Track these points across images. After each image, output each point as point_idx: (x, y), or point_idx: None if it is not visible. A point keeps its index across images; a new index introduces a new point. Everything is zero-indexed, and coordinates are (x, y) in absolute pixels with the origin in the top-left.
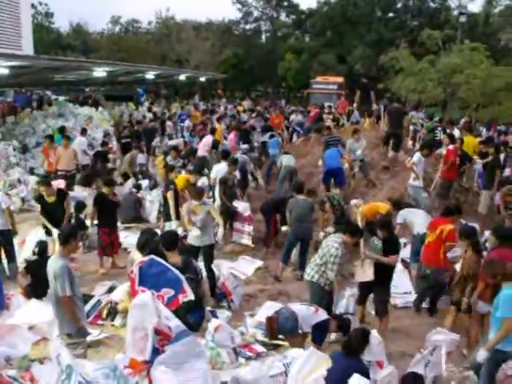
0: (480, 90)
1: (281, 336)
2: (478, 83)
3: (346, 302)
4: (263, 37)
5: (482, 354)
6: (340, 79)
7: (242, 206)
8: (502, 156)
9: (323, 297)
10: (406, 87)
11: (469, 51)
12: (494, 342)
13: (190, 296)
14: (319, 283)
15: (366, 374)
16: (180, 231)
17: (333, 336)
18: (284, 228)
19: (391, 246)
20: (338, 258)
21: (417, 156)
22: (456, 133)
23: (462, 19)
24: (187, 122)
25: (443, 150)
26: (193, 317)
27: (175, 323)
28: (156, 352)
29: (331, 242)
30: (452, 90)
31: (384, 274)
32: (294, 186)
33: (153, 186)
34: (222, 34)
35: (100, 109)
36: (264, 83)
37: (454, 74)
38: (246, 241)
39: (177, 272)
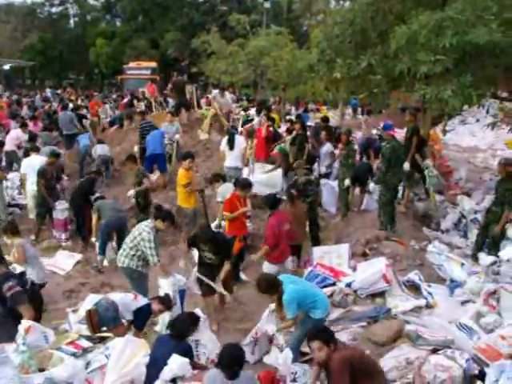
0: (286, 71)
1: (104, 328)
2: (285, 65)
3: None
4: (71, 21)
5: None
6: (153, 64)
7: (60, 207)
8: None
9: (139, 278)
10: (218, 70)
11: (274, 35)
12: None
13: None
14: (131, 267)
15: (190, 355)
16: None
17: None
18: None
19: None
20: (152, 241)
21: (239, 139)
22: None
23: (267, 5)
24: None
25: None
26: None
27: None
28: None
29: (143, 227)
30: (261, 72)
31: None
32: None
33: None
34: (25, 16)
35: None
36: (76, 70)
37: (262, 57)
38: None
39: None
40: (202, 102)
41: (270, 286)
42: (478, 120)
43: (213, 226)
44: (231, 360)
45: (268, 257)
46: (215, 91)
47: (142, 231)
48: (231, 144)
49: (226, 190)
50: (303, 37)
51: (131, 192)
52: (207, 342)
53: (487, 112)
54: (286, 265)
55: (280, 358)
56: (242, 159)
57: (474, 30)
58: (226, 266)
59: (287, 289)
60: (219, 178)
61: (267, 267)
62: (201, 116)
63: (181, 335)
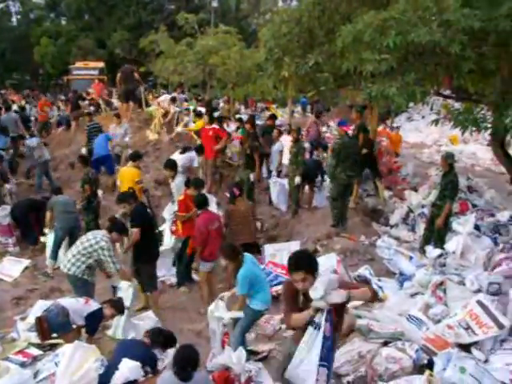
0: (235, 71)
1: (55, 334)
2: (233, 64)
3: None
4: (14, 19)
5: (227, 318)
6: (101, 64)
7: (1, 212)
8: None
9: (83, 286)
10: (167, 69)
11: (223, 34)
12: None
13: None
14: (76, 274)
15: (153, 363)
16: None
17: None
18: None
19: (134, 219)
20: (112, 250)
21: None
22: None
23: (215, 4)
24: None
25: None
26: None
27: None
28: None
29: (100, 236)
30: (210, 71)
31: (143, 251)
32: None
33: None
34: None
35: None
36: (20, 71)
37: (211, 56)
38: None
39: None
40: (152, 102)
41: (232, 252)
42: (423, 117)
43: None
44: (184, 361)
45: (200, 256)
46: (165, 96)
47: (100, 240)
48: None
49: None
50: (252, 36)
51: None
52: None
53: (431, 109)
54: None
55: (234, 358)
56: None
57: (416, 29)
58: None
59: (246, 265)
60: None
61: (201, 265)
62: (149, 116)
63: (155, 345)
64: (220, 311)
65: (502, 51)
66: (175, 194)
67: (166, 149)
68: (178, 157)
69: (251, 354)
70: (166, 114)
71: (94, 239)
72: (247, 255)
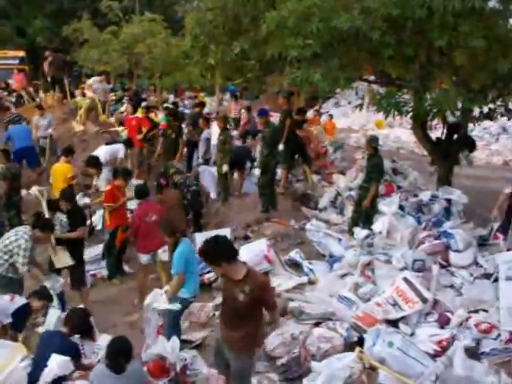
0: (162, 59)
1: None
2: (160, 52)
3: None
4: None
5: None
6: (21, 53)
7: None
8: None
9: (9, 285)
10: (92, 59)
11: (148, 22)
12: (169, 296)
13: None
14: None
15: (76, 354)
16: None
17: None
18: None
19: (76, 218)
20: (29, 250)
21: None
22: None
23: None
24: None
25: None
26: None
27: None
28: None
29: (21, 233)
30: (136, 60)
31: (79, 248)
32: None
33: None
34: None
35: None
36: None
37: (137, 44)
38: None
39: None
40: (77, 93)
41: (169, 228)
42: (349, 102)
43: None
44: (116, 353)
45: (137, 247)
46: (94, 78)
47: (20, 238)
48: None
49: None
50: (178, 23)
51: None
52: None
53: (356, 94)
54: (159, 255)
55: (168, 347)
56: None
57: (338, 16)
58: None
59: (183, 245)
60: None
61: (140, 257)
62: (74, 106)
63: (74, 330)
64: (159, 302)
65: (420, 38)
66: (103, 187)
67: (92, 140)
68: (103, 149)
69: (186, 342)
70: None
71: (15, 236)
72: (186, 239)
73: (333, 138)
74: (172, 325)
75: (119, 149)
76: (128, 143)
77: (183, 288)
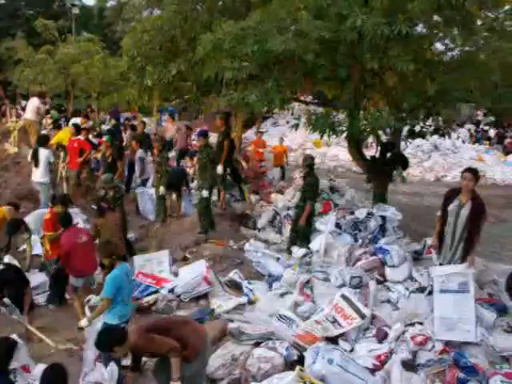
0: (99, 80)
1: None
2: (97, 73)
3: None
4: None
5: (84, 322)
6: None
7: None
8: None
9: None
10: (27, 78)
11: (85, 42)
12: (93, 315)
13: None
14: None
15: None
16: None
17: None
18: None
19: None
20: None
21: (44, 153)
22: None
23: (75, 11)
24: None
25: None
26: None
27: None
28: None
29: None
30: (72, 80)
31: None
32: None
33: None
34: None
35: None
36: None
37: (73, 65)
38: None
39: None
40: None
41: (107, 249)
42: (287, 122)
43: None
44: (50, 382)
45: (71, 272)
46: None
47: None
48: (36, 159)
49: (36, 217)
50: (116, 44)
51: None
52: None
53: (292, 114)
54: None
55: (105, 374)
56: (46, 173)
57: (272, 38)
58: None
59: (117, 270)
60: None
61: (74, 281)
62: (8, 129)
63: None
64: (83, 320)
65: (353, 60)
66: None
67: (26, 163)
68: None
69: (125, 368)
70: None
71: None
72: (124, 264)
73: (283, 162)
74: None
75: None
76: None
77: (109, 313)
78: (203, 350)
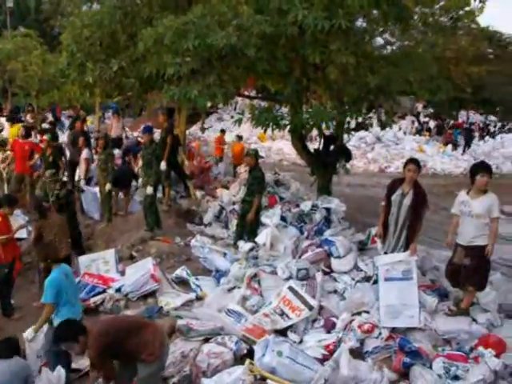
0: (38, 77)
1: None
2: (35, 69)
3: None
4: None
5: (29, 333)
6: None
7: None
8: None
9: None
10: None
11: (22, 38)
12: (39, 324)
13: None
14: None
15: None
16: None
17: None
18: None
19: None
20: None
21: None
22: None
23: (10, 4)
24: None
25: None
26: None
27: None
28: None
29: None
30: (9, 77)
31: None
32: None
33: None
34: None
35: None
36: None
37: (10, 61)
38: None
39: None
40: None
41: (42, 253)
42: (232, 117)
43: None
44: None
45: None
46: None
47: None
48: None
49: None
50: (55, 39)
51: None
52: None
53: (235, 109)
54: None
55: (53, 379)
56: None
57: (213, 33)
58: None
59: (55, 273)
60: None
61: None
62: None
63: None
64: (28, 331)
65: (294, 54)
66: None
67: None
68: None
69: (74, 371)
70: None
71: None
72: (62, 265)
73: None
74: (53, 355)
75: None
76: None
77: (57, 317)
78: (162, 354)
